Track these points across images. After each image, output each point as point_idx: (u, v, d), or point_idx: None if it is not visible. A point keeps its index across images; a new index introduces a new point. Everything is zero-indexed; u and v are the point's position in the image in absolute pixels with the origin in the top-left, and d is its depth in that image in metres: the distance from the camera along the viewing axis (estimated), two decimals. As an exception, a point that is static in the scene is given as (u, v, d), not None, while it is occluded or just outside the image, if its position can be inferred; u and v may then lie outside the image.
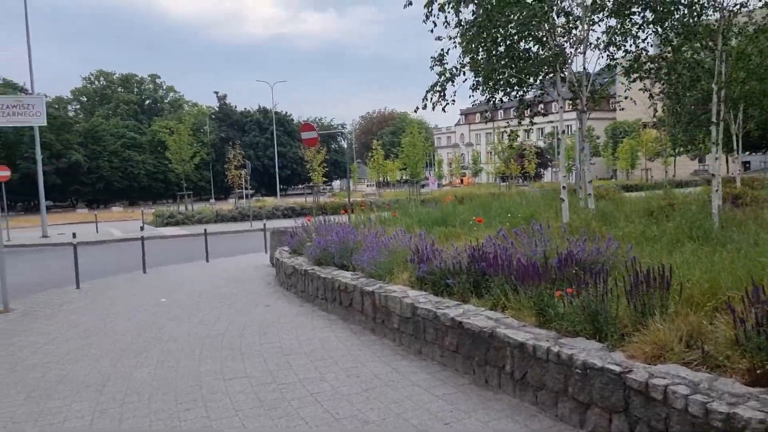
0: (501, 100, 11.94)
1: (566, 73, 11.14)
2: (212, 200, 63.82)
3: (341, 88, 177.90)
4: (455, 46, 11.54)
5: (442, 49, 11.42)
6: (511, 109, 13.93)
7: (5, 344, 8.06)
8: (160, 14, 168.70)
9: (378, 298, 7.38)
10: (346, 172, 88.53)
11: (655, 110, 19.65)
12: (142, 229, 16.12)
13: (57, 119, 69.06)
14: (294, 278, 10.54)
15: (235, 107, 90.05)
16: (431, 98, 11.16)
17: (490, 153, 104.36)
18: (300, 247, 11.63)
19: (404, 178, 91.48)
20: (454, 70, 11.20)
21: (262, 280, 12.58)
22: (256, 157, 77.36)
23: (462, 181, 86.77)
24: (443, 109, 11.20)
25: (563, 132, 10.51)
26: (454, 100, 11.16)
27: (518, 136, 13.04)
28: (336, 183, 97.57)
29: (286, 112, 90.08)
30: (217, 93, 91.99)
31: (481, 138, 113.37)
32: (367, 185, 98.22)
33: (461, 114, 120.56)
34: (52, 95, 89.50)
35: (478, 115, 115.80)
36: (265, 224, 19.64)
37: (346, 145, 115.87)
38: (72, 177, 68.01)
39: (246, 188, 36.05)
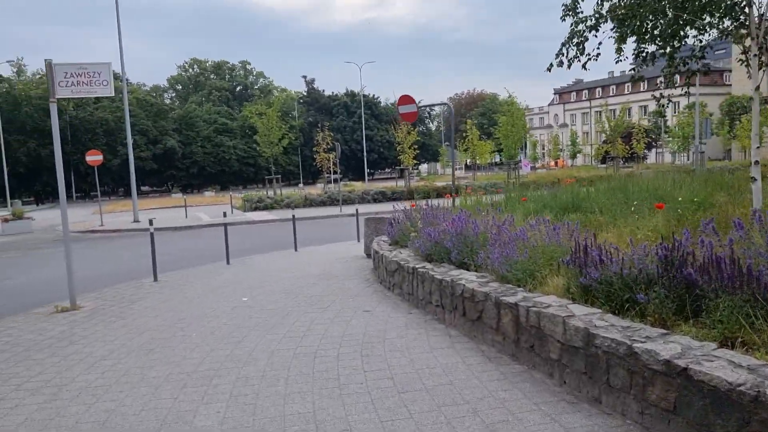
0: (654, 55, 9.44)
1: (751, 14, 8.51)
2: (301, 185, 63.41)
3: (429, 71, 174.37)
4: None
5: (577, -8, 9.09)
6: (659, 77, 11.15)
7: (59, 355, 6.68)
8: (251, 5, 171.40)
9: (524, 314, 5.34)
10: (434, 156, 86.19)
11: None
12: (225, 215, 14.82)
13: (153, 106, 71.21)
14: (398, 276, 8.65)
15: (323, 91, 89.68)
16: (567, 53, 8.88)
17: (587, 134, 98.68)
18: (403, 238, 9.72)
19: (494, 160, 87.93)
20: (596, 17, 8.86)
21: (358, 275, 10.81)
22: (344, 141, 76.56)
23: (556, 163, 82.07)
24: (584, 66, 8.88)
25: (757, 89, 7.87)
26: (599, 54, 8.81)
27: (669, 101, 10.45)
28: (423, 166, 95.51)
29: (374, 95, 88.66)
30: (305, 77, 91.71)
31: (577, 118, 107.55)
32: (456, 168, 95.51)
33: (555, 93, 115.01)
34: (150, 84, 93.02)
35: (573, 93, 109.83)
36: (357, 210, 17.97)
37: (434, 128, 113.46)
38: (168, 162, 69.88)
39: (335, 172, 34.76)
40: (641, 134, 48.20)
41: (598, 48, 8.89)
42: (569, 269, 5.55)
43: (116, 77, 72.71)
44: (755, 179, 7.53)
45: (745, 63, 8.31)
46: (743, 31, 8.28)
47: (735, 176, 12.48)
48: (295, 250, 14.87)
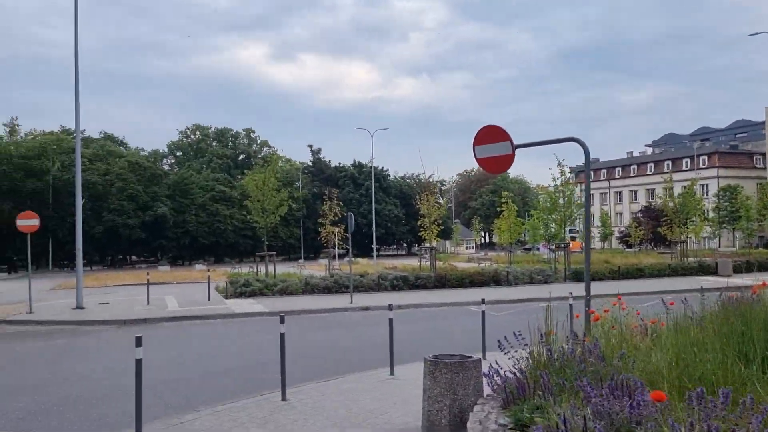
0: None
1: None
2: (301, 260, 56.84)
3: (435, 150, 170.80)
4: None
5: None
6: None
7: None
8: (265, 82, 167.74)
9: None
10: (445, 233, 79.79)
11: None
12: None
13: (147, 170, 65.74)
14: None
15: (329, 162, 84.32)
16: None
17: (607, 214, 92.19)
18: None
19: (512, 240, 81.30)
20: None
21: None
22: (350, 214, 70.46)
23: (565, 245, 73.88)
24: None
25: None
26: None
27: None
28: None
29: (382, 168, 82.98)
30: (311, 146, 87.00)
31: (595, 198, 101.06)
32: (466, 247, 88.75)
33: (572, 172, 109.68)
34: (149, 149, 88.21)
35: (591, 173, 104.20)
36: (391, 315, 11.18)
37: (443, 202, 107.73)
38: (158, 231, 63.56)
39: (344, 247, 28.40)
40: (700, 215, 41.63)
41: None
42: None
43: (69, 133, 67.33)
44: None
45: None
46: None
47: None
48: (283, 398, 8.17)
